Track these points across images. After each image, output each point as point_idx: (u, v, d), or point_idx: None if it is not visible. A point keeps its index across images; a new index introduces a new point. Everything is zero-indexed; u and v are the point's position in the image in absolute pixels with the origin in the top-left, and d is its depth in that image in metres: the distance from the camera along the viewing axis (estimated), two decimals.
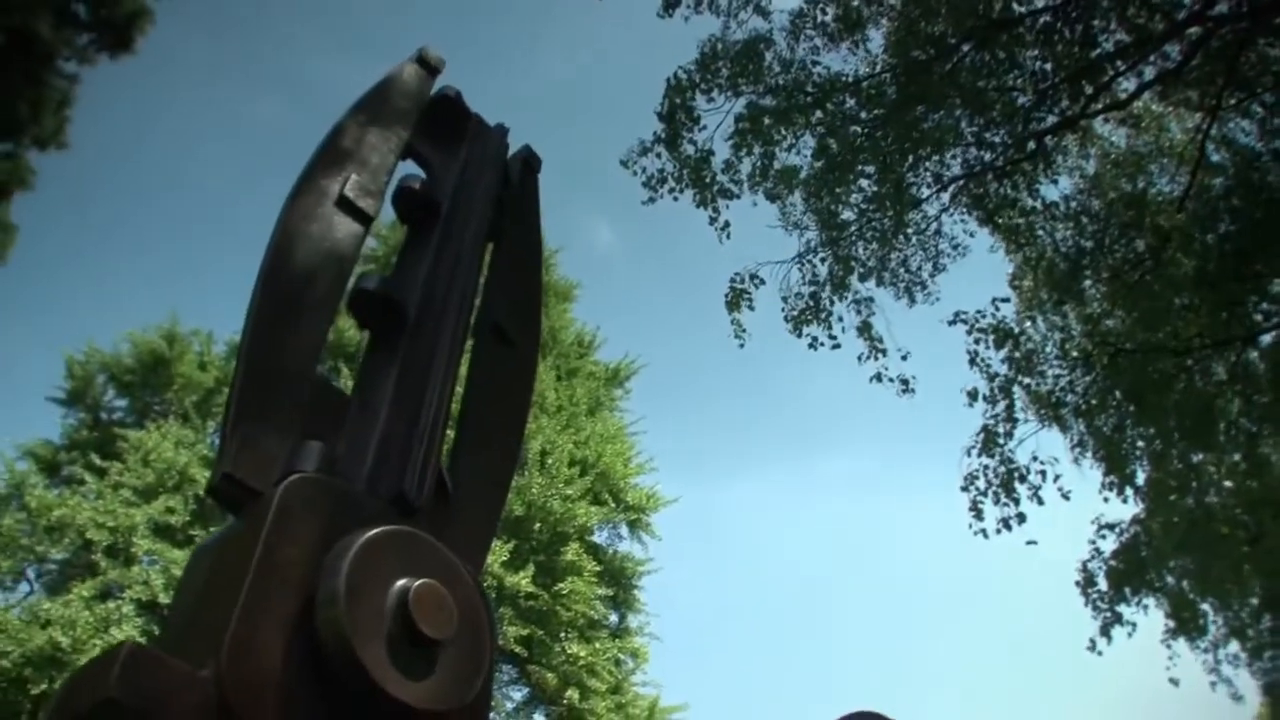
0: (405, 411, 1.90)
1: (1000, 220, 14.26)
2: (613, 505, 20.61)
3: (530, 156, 2.70)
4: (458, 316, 2.12)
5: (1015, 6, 12.85)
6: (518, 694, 19.63)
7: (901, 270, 14.61)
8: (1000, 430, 13.62)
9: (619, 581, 20.68)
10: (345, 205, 2.07)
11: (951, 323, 13.43)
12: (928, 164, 13.90)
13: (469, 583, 1.63)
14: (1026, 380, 14.33)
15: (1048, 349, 15.28)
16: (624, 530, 21.41)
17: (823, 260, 14.01)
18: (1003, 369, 13.93)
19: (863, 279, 14.21)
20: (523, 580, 17.41)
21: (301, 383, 1.83)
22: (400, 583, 1.51)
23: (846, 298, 14.04)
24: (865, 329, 13.84)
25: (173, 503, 17.29)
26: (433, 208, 2.34)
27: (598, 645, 18.90)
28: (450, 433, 2.07)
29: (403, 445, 1.84)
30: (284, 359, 1.82)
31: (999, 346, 13.78)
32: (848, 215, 14.18)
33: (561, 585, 18.20)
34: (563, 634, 18.40)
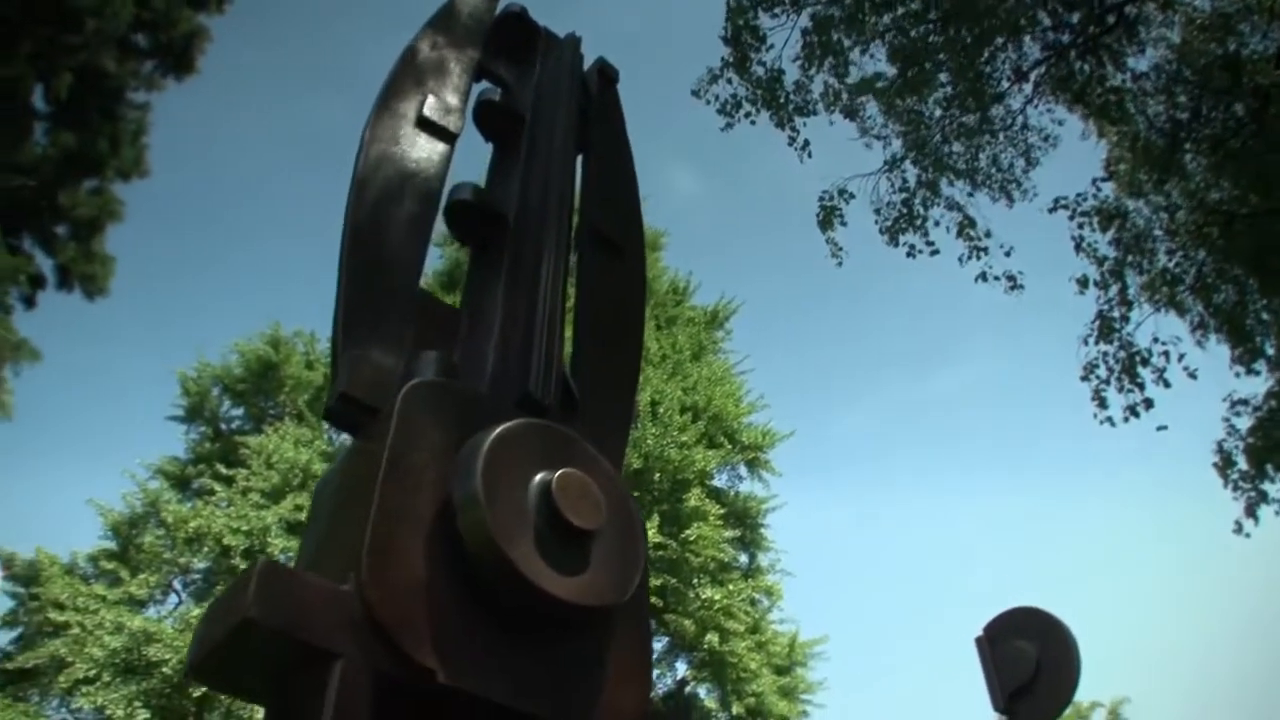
0: (519, 317, 1.81)
1: (1089, 100, 13.61)
2: (729, 447, 20.54)
3: (606, 67, 2.62)
4: (558, 221, 2.04)
5: None
6: (657, 644, 19.82)
7: (993, 170, 14.16)
8: (1115, 315, 13.13)
9: (744, 522, 20.68)
10: (426, 125, 2.02)
11: (1052, 209, 12.97)
12: (1004, 55, 13.37)
13: (611, 474, 1.55)
14: (1138, 260, 13.74)
15: (1155, 230, 14.63)
16: (743, 470, 21.39)
17: (914, 162, 13.62)
18: (1111, 251, 13.40)
19: (954, 183, 13.81)
20: (649, 531, 17.38)
21: (406, 299, 1.76)
22: (540, 475, 1.42)
23: (939, 203, 13.66)
24: (964, 229, 13.42)
25: (300, 500, 17.79)
26: (516, 120, 2.29)
27: (731, 587, 18.95)
28: (568, 348, 2.01)
29: (521, 349, 1.76)
30: (385, 278, 1.75)
31: (1104, 229, 13.26)
32: (929, 118, 13.74)
33: (688, 532, 18.24)
34: (695, 580, 18.49)
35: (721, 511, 19.41)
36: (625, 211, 2.41)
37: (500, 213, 2.04)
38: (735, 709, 18.53)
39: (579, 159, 2.38)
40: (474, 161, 2.40)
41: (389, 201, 1.85)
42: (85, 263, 16.27)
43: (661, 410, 19.37)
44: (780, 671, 20.03)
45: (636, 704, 1.47)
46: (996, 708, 4.73)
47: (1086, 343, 13.09)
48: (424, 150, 1.99)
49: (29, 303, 15.86)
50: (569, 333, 2.04)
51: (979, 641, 4.93)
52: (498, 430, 1.42)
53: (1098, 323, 13.07)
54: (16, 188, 15.53)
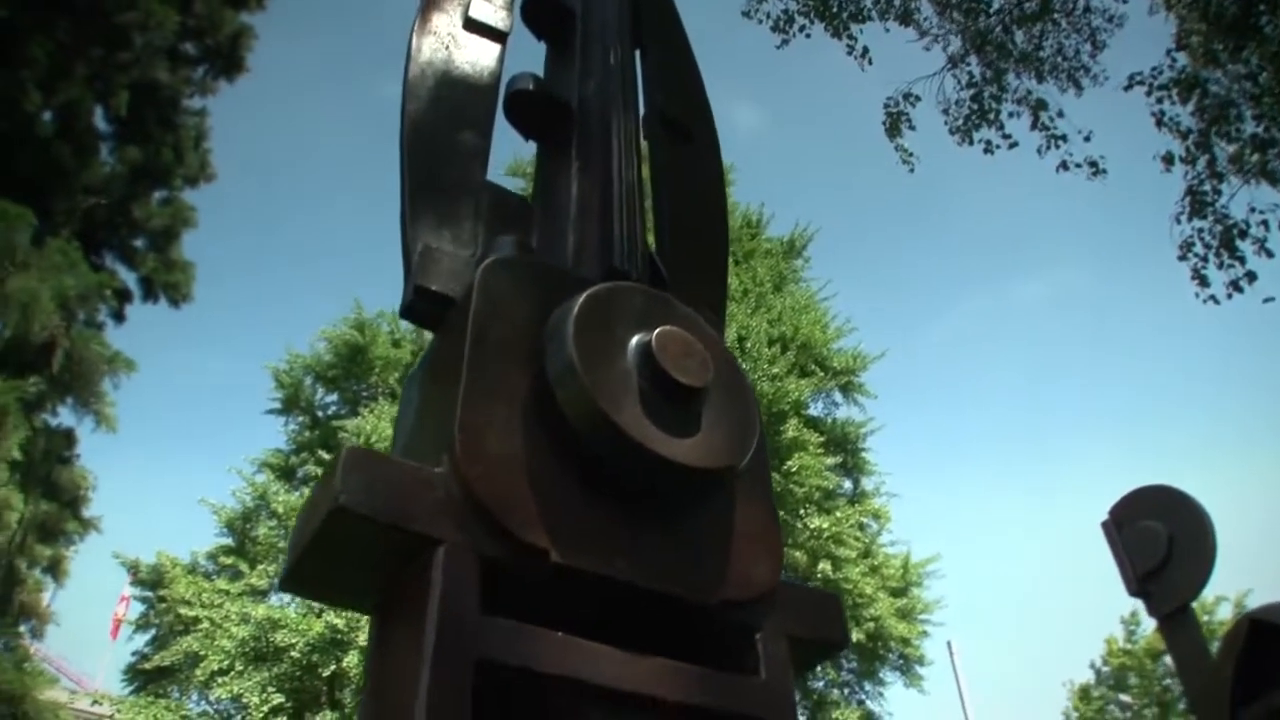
0: (595, 195, 1.71)
1: None
2: (821, 374, 20.33)
3: None
4: (623, 104, 1.94)
5: None
6: None
7: (1059, 59, 13.57)
8: (1206, 189, 12.54)
9: (844, 448, 20.52)
10: (475, 26, 1.94)
11: (1128, 87, 12.40)
12: None
13: (714, 335, 1.44)
14: (1224, 128, 13.07)
15: (1237, 99, 13.87)
16: (837, 396, 21.20)
17: (977, 55, 13.12)
18: (1193, 123, 12.76)
19: (1020, 76, 13.28)
20: None
21: (474, 190, 1.67)
22: (638, 336, 1.31)
23: (1008, 98, 13.15)
24: (1038, 115, 12.90)
25: None
26: (566, 14, 2.19)
27: (838, 514, 18.86)
28: (650, 239, 1.91)
29: (601, 225, 1.65)
30: (449, 170, 1.66)
31: (1184, 100, 12.63)
32: (988, 8, 13.20)
33: (789, 463, 18.15)
34: (801, 511, 18.43)
35: (821, 439, 19.25)
36: (691, 96, 2.32)
37: (563, 99, 1.94)
38: (855, 635, 18.47)
39: (636, 53, 2.28)
40: (526, 65, 2.30)
41: (445, 100, 1.77)
42: (166, 272, 16.66)
43: (749, 345, 19.21)
44: (896, 594, 19.92)
45: (769, 575, 1.37)
46: (1131, 592, 4.52)
47: (1179, 220, 12.54)
48: (475, 50, 1.92)
49: (118, 317, 16.32)
50: (650, 223, 1.94)
51: (1106, 525, 4.71)
52: (586, 293, 1.32)
53: (1188, 199, 12.50)
54: (91, 207, 15.92)
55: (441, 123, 1.72)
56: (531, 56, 2.21)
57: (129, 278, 16.30)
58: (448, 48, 1.87)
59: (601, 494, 1.25)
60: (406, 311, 1.51)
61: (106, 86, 15.56)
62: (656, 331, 1.30)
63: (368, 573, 1.18)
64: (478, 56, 1.91)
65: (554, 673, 1.11)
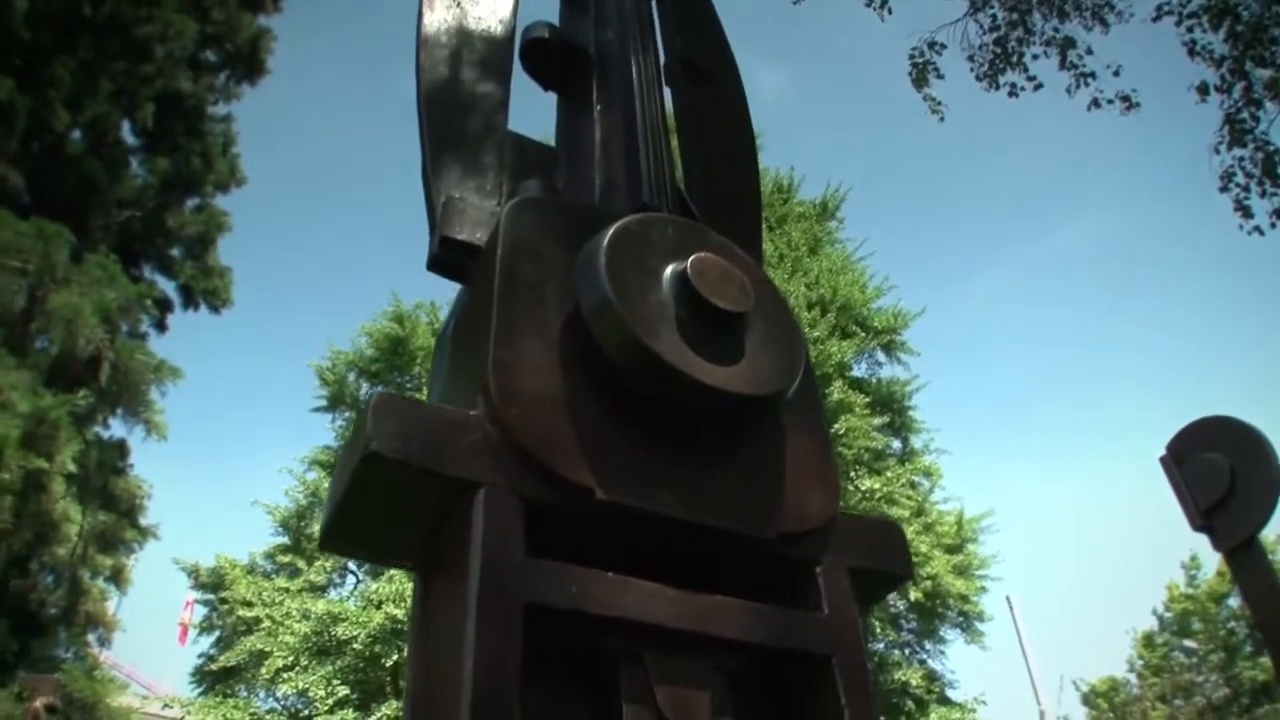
0: (619, 138, 1.66)
1: None
2: (862, 334, 20.17)
3: None
4: (642, 47, 1.90)
5: None
6: None
7: None
8: (1244, 117, 12.20)
9: (890, 407, 20.38)
10: None
11: (1156, 18, 12.06)
12: None
13: (750, 260, 1.39)
14: (1258, 53, 12.70)
15: (1269, 25, 13.46)
16: (880, 356, 21.04)
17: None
18: (1226, 49, 12.40)
19: (1047, 17, 12.97)
20: None
21: (496, 139, 1.63)
22: (672, 265, 1.26)
23: (1032, 41, 12.87)
24: (1065, 54, 12.61)
25: None
26: None
27: (888, 474, 18.74)
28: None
29: (628, 163, 1.60)
30: (469, 120, 1.62)
31: (1215, 26, 12.27)
32: None
33: (836, 426, 18.03)
34: (851, 473, 18.33)
35: (866, 400, 19.11)
36: (710, 39, 2.27)
37: (580, 46, 1.90)
38: (913, 594, 18.38)
39: (653, 2, 2.23)
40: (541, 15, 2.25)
41: (461, 52, 1.74)
42: (204, 278, 16.81)
43: None
44: (951, 550, 19.78)
45: (825, 506, 1.32)
46: (1195, 526, 4.42)
47: (1218, 151, 12.20)
48: (489, 1, 1.87)
49: (161, 327, 16.50)
50: (679, 167, 1.89)
51: (1164, 461, 4.61)
52: (616, 225, 1.27)
53: (1226, 128, 12.16)
54: (126, 220, 16.09)
55: (459, 74, 1.69)
56: (546, 6, 2.17)
57: (168, 287, 16.48)
58: (460, 2, 1.83)
59: (645, 429, 1.21)
60: (433, 263, 1.48)
61: (132, 100, 15.68)
62: (691, 258, 1.25)
63: (408, 525, 1.15)
64: (493, 7, 1.87)
65: (606, 614, 1.07)
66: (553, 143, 1.85)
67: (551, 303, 1.26)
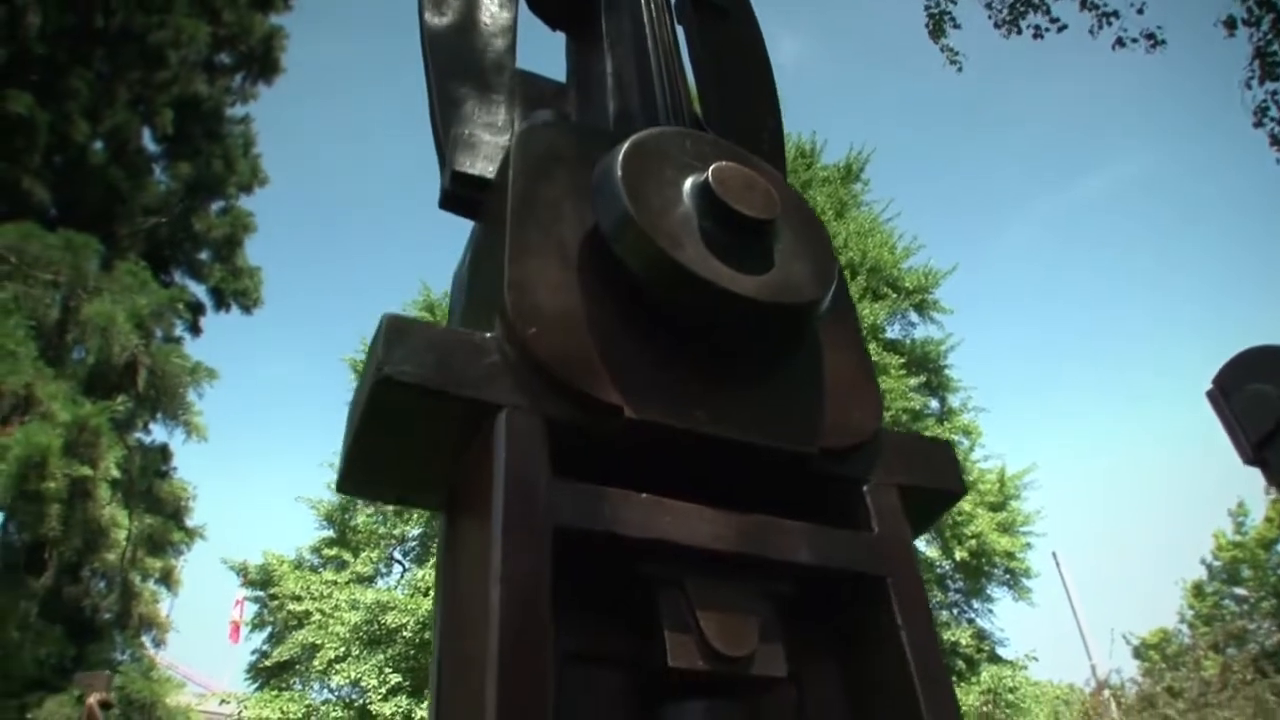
0: (632, 68, 1.60)
1: None
2: (893, 296, 20.01)
3: None
4: None
5: None
6: None
7: None
8: (1275, 49, 11.90)
9: (926, 367, 20.23)
10: None
11: None
12: None
13: (774, 171, 1.33)
14: None
15: None
16: (913, 316, 20.86)
17: None
18: None
19: None
20: None
21: (505, 75, 1.58)
22: (692, 177, 1.20)
23: None
24: None
25: None
26: None
27: (928, 435, 18.57)
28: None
29: (642, 94, 1.54)
30: (477, 57, 1.57)
31: None
32: None
33: None
34: None
35: (902, 362, 18.97)
36: None
37: None
38: (958, 554, 18.27)
39: None
40: None
41: None
42: (234, 280, 16.91)
43: None
44: (995, 509, 19.64)
45: (869, 421, 1.26)
46: (1246, 460, 4.31)
47: (1249, 86, 11.94)
48: None
49: (194, 330, 16.62)
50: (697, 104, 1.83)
51: (1211, 394, 4.48)
52: (631, 139, 1.22)
53: (1256, 62, 11.88)
54: (153, 227, 16.19)
55: (464, 11, 1.64)
56: None
57: (199, 290, 16.59)
58: None
59: (674, 346, 1.16)
60: (444, 200, 1.44)
61: (150, 107, 15.77)
62: (713, 167, 1.20)
63: (428, 458, 1.10)
64: None
65: (641, 536, 1.02)
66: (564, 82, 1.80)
67: (568, 222, 1.20)
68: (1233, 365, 4.43)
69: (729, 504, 1.10)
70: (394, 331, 1.04)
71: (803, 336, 1.26)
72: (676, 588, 1.05)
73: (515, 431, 1.00)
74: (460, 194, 1.42)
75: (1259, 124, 11.84)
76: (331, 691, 17.94)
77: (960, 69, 12.79)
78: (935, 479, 1.32)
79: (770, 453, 1.16)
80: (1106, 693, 18.33)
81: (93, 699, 8.95)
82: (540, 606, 0.92)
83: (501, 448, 0.99)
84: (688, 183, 1.21)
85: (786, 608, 1.12)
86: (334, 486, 1.11)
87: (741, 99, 1.92)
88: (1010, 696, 19.06)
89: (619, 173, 1.17)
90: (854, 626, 1.19)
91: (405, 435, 1.08)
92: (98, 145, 15.18)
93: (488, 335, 1.09)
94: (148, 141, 16.18)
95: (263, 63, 17.86)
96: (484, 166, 1.41)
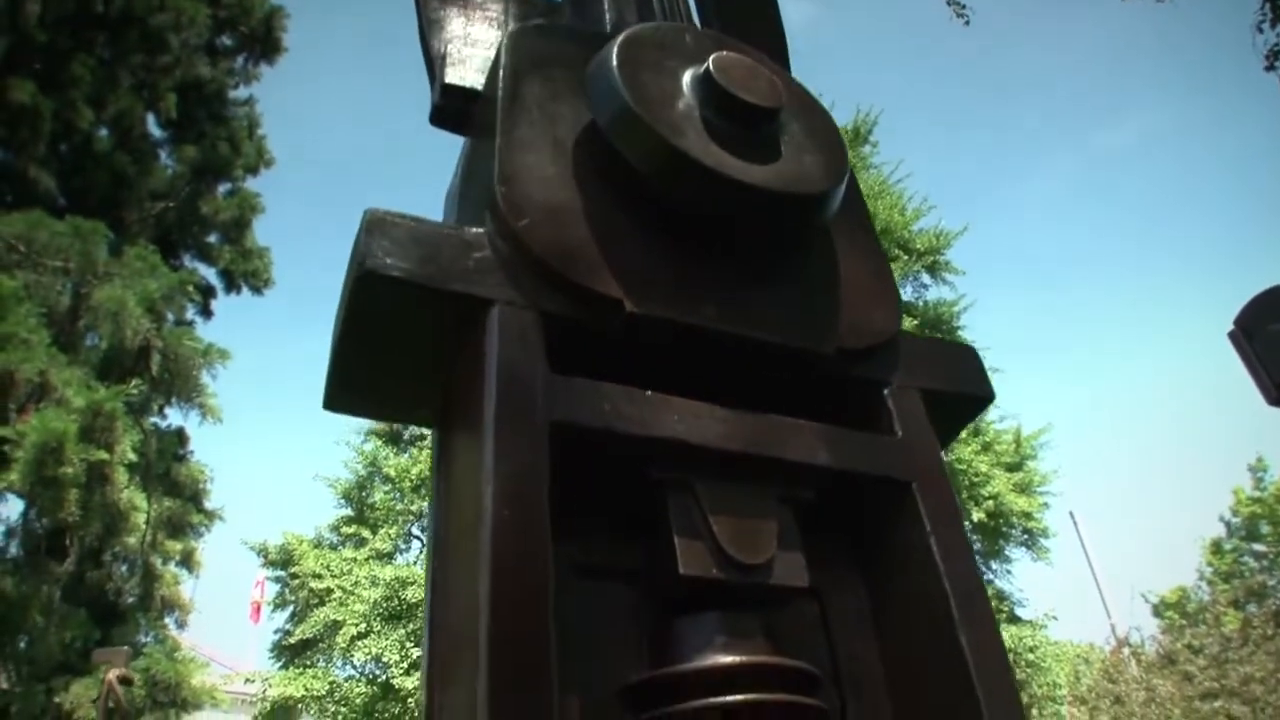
0: None
1: None
2: (905, 258, 19.87)
3: None
4: None
5: None
6: None
7: None
8: None
9: (939, 329, 20.13)
10: None
11: None
12: None
13: (779, 67, 1.28)
14: None
15: None
16: (925, 278, 20.73)
17: None
18: None
19: None
20: None
21: None
22: (692, 69, 1.14)
23: None
24: None
25: None
26: None
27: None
28: None
29: (640, 6, 1.48)
30: None
31: None
32: None
33: None
34: None
35: (914, 324, 18.86)
36: None
37: None
38: (975, 515, 18.23)
39: None
40: None
41: None
42: (244, 261, 16.91)
43: None
44: (1011, 469, 19.59)
45: (888, 321, 1.20)
46: (1270, 400, 4.25)
47: (1260, 30, 11.74)
48: None
49: (206, 313, 16.64)
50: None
51: (1233, 335, 4.42)
52: (626, 31, 1.16)
53: (1267, 4, 11.69)
54: (160, 211, 16.18)
55: None
56: None
57: (209, 273, 16.60)
58: None
59: (679, 241, 1.10)
60: (435, 115, 1.38)
61: (153, 92, 15.74)
62: (713, 56, 1.13)
63: (417, 366, 1.04)
64: None
65: (646, 434, 0.96)
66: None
67: (562, 120, 1.15)
68: (1255, 305, 4.35)
69: (747, 402, 1.05)
70: (376, 225, 0.98)
71: (814, 232, 1.21)
72: (686, 492, 1.00)
73: (508, 326, 0.95)
74: (450, 107, 1.36)
75: (1270, 68, 11.66)
76: (354, 667, 18.09)
77: (967, 23, 12.64)
78: (961, 383, 1.26)
79: (784, 352, 1.11)
80: (1126, 650, 18.30)
81: (112, 675, 9.00)
82: (537, 503, 0.87)
83: (494, 343, 0.93)
84: (688, 74, 1.15)
85: (806, 516, 1.07)
86: (322, 406, 1.02)
87: (743, 19, 1.86)
88: (1030, 656, 19.06)
89: (615, 62, 1.11)
90: (879, 537, 1.14)
91: (391, 340, 1.02)
92: (102, 132, 15.16)
93: (478, 230, 1.03)
94: (152, 126, 16.16)
95: (264, 43, 17.79)
96: (475, 79, 1.36)
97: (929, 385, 1.21)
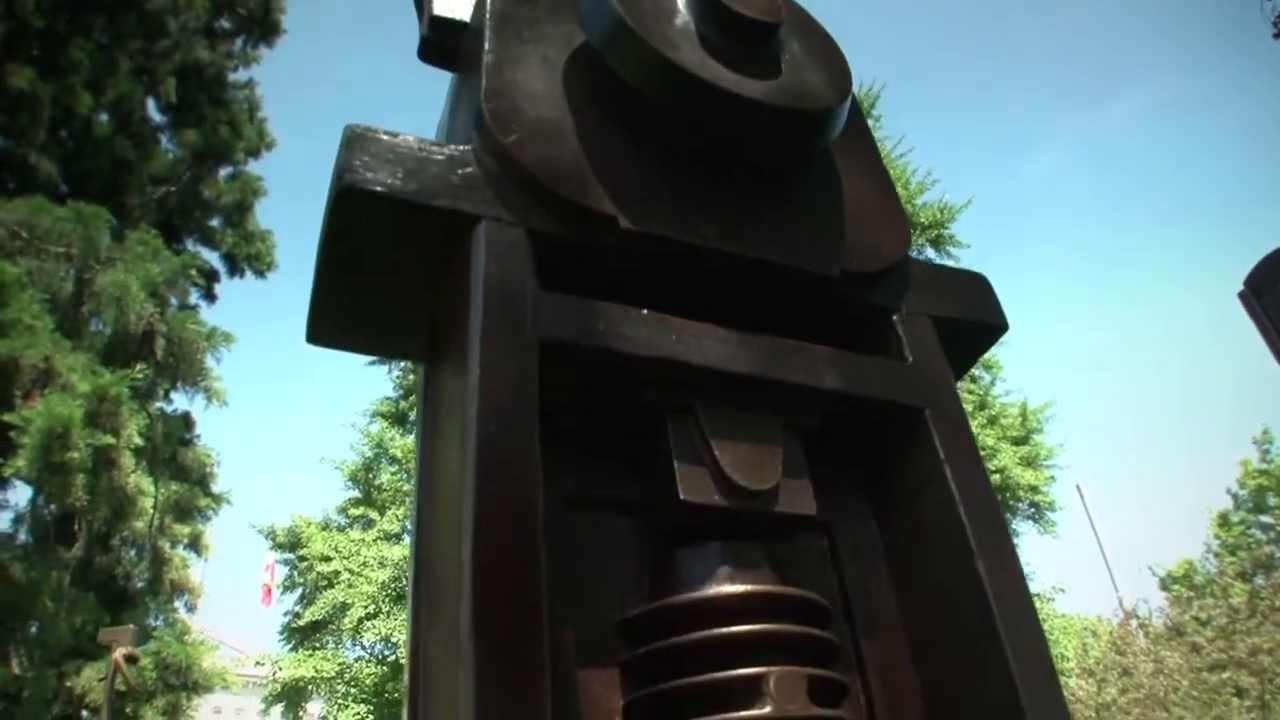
0: None
1: None
2: (909, 232, 19.82)
3: None
4: None
5: None
6: None
7: None
8: None
9: None
10: None
11: None
12: None
13: None
14: None
15: None
16: (929, 253, 20.63)
17: None
18: None
19: None
20: None
21: None
22: None
23: None
24: None
25: None
26: None
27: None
28: None
29: None
30: None
31: None
32: None
33: None
34: None
35: None
36: None
37: None
38: None
39: None
40: None
41: None
42: (246, 245, 16.89)
43: None
44: (1017, 443, 19.57)
45: (896, 245, 1.16)
46: None
47: None
48: None
49: (210, 297, 16.63)
50: None
51: (1243, 295, 4.34)
52: None
53: None
54: (162, 196, 16.15)
55: None
56: None
57: (211, 257, 16.58)
58: None
59: (677, 160, 1.05)
60: (422, 50, 1.34)
61: (152, 76, 15.70)
62: None
63: (401, 292, 0.99)
64: None
65: (643, 354, 0.92)
66: None
67: (553, 41, 1.10)
68: (1266, 264, 4.27)
69: (750, 324, 1.01)
70: (357, 140, 0.93)
71: (817, 152, 1.16)
72: (687, 416, 0.96)
73: (496, 242, 0.91)
74: (438, 40, 1.32)
75: (1278, 35, 11.55)
76: (364, 648, 18.17)
77: None
78: (973, 311, 1.21)
79: (787, 273, 1.07)
80: (1134, 623, 18.31)
81: (118, 654, 9.02)
82: (526, 419, 0.82)
83: (480, 258, 0.89)
84: None
85: (813, 447, 1.03)
86: (306, 339, 0.98)
87: None
88: None
89: None
90: (890, 467, 1.09)
91: (373, 262, 0.98)
92: (102, 117, 15.12)
93: (464, 147, 0.99)
94: (152, 111, 16.11)
95: (263, 24, 17.71)
96: (463, 10, 1.32)
97: (940, 312, 1.17)
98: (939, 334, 1.14)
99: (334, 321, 1.07)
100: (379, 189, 0.91)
